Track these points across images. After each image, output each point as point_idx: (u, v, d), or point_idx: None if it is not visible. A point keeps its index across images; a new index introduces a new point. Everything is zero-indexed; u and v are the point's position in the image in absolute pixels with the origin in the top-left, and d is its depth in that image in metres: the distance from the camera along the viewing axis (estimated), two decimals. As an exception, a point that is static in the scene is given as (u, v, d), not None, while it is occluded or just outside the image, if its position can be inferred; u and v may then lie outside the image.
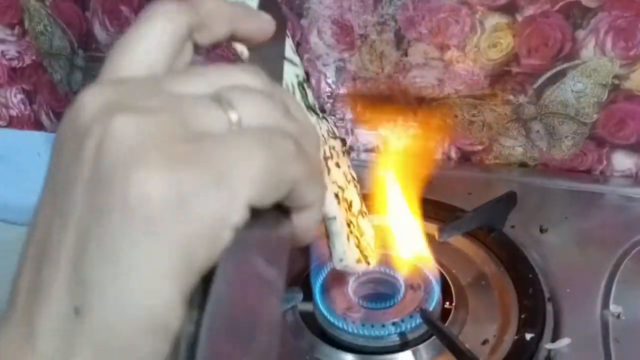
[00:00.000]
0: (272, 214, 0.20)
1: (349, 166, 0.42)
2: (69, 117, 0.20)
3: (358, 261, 0.41)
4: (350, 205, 0.41)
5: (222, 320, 0.18)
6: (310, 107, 0.38)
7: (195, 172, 0.17)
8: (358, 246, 0.40)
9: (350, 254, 0.40)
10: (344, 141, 0.42)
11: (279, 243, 0.21)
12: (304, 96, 0.37)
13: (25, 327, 0.18)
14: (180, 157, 0.17)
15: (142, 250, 0.17)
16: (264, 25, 0.27)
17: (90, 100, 0.19)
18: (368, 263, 0.42)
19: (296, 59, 0.36)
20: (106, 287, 0.17)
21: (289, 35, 0.35)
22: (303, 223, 0.22)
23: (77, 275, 0.18)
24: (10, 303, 0.20)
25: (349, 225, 0.39)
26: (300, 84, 0.36)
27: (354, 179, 0.42)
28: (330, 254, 0.40)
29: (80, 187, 0.18)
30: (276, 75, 0.31)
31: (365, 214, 0.43)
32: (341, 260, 0.40)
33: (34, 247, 0.20)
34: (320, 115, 0.40)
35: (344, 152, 0.41)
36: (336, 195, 0.39)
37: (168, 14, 0.23)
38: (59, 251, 0.18)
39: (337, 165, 0.40)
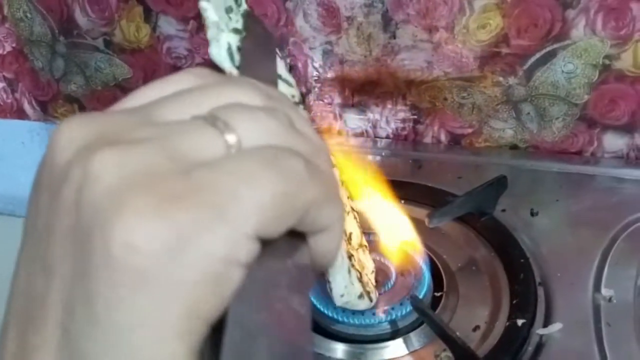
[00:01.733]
0: (285, 240, 0.18)
1: (347, 197, 0.40)
2: (46, 157, 0.17)
3: (360, 296, 0.38)
4: (349, 238, 0.39)
5: None
6: None
7: (189, 209, 0.15)
8: (360, 280, 0.38)
9: (352, 289, 0.37)
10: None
11: (299, 272, 0.18)
12: None
13: None
14: (170, 195, 0.15)
15: (135, 309, 0.15)
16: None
17: (67, 137, 0.17)
18: (370, 300, 0.40)
19: (290, 79, 0.33)
20: (100, 357, 0.15)
21: (279, 54, 0.33)
22: (322, 247, 0.19)
23: (67, 344, 0.15)
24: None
25: (350, 259, 0.37)
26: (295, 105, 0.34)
27: (353, 210, 0.40)
28: (330, 289, 0.37)
29: (60, 239, 0.16)
30: None
31: (366, 247, 0.41)
32: (342, 296, 0.37)
33: (18, 303, 0.17)
34: None
35: (342, 182, 0.39)
36: None
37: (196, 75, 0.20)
38: (44, 314, 0.16)
39: None
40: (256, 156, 0.17)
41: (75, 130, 0.17)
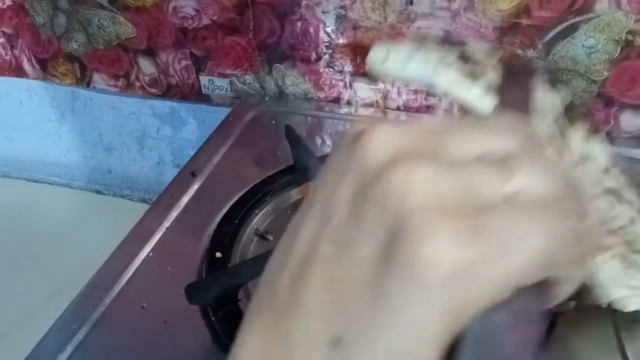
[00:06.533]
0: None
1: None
2: (353, 147, 0.19)
3: None
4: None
5: None
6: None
7: (481, 247, 0.18)
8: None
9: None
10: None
11: (532, 316, 0.20)
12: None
13: (280, 332, 0.19)
14: (469, 231, 0.18)
15: (414, 311, 0.17)
16: None
17: (383, 139, 0.19)
18: None
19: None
20: (369, 331, 0.18)
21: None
22: (552, 294, 0.21)
23: (343, 307, 0.18)
24: (268, 294, 0.20)
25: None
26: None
27: None
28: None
29: (367, 227, 0.18)
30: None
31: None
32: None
33: (297, 256, 0.20)
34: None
35: None
36: None
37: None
38: (326, 275, 0.19)
39: None
40: (536, 210, 0.18)
41: (392, 135, 0.19)
